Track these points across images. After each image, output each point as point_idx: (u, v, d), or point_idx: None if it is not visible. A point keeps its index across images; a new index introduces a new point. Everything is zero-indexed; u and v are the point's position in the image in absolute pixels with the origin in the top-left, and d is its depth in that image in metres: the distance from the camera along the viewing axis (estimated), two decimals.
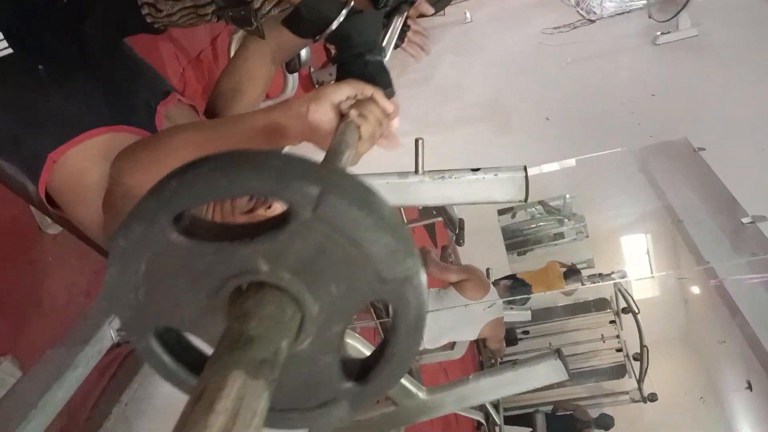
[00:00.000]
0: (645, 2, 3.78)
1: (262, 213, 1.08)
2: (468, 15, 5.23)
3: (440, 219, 3.98)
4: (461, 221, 3.82)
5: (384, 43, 1.00)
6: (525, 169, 1.74)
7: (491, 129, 2.86)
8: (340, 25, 0.87)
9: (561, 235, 7.54)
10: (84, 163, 1.03)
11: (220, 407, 0.34)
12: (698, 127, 2.32)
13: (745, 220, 1.78)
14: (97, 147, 1.04)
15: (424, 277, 0.45)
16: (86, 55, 1.07)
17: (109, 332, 1.23)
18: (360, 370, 0.52)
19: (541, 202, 7.27)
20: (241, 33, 3.06)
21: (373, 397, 0.52)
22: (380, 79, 0.84)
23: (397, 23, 1.09)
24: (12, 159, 1.07)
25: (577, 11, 4.52)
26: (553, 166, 3.24)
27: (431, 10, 1.20)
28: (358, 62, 0.88)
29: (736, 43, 3.14)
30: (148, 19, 1.07)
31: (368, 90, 0.78)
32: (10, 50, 1.01)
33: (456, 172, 1.68)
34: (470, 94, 3.44)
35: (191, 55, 2.82)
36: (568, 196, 7.14)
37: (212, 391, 0.35)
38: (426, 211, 4.08)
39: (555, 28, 4.20)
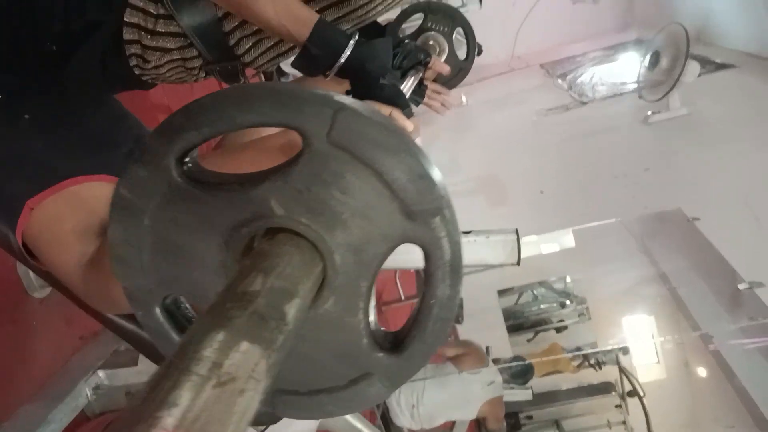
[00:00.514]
0: (636, 86, 3.89)
1: None
2: (464, 99, 5.37)
3: None
4: (460, 299, 3.78)
5: None
6: (516, 232, 1.72)
7: (487, 201, 2.88)
8: (352, 55, 0.87)
9: (563, 319, 7.44)
10: (61, 210, 1.02)
11: (192, 376, 0.27)
12: (692, 199, 2.34)
13: (741, 286, 1.75)
14: (75, 195, 1.03)
15: (454, 211, 0.40)
16: (70, 102, 1.09)
17: (85, 390, 1.19)
18: (394, 339, 0.45)
19: (542, 283, 7.21)
20: None
21: (413, 368, 0.44)
22: (397, 100, 0.84)
23: (411, 81, 1.10)
24: None
25: (570, 95, 4.66)
26: (553, 247, 3.24)
27: (447, 69, 1.21)
28: (373, 87, 0.88)
29: (725, 120, 3.21)
30: (136, 71, 1.08)
31: (386, 109, 0.78)
32: None
33: None
34: (467, 168, 3.49)
35: None
36: (569, 278, 7.08)
37: (189, 353, 0.28)
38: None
39: (548, 109, 4.31)
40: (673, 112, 3.36)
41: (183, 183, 0.40)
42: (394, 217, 0.40)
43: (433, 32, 1.46)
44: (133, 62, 1.06)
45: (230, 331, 0.29)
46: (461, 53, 1.49)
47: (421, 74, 1.14)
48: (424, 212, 0.39)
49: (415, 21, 1.50)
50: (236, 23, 1.03)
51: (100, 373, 1.30)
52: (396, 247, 0.42)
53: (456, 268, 0.42)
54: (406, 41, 1.12)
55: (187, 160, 0.41)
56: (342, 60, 0.87)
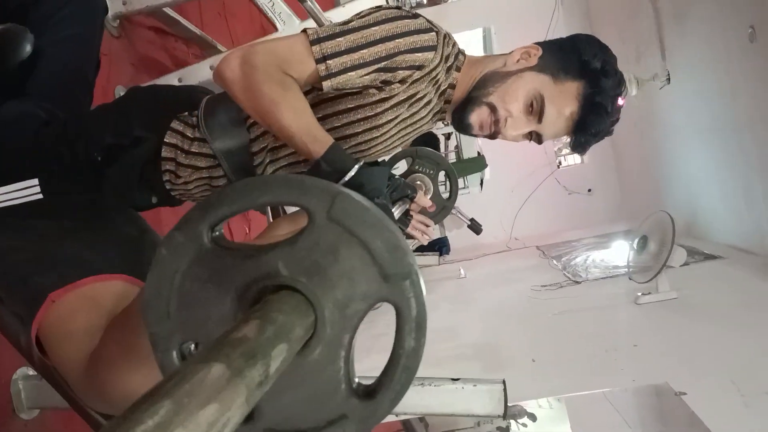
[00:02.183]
0: (627, 270, 4.05)
1: None
2: (462, 272, 5.56)
3: None
4: None
5: None
6: (504, 383, 1.77)
7: (481, 367, 2.92)
8: (355, 176, 1.00)
9: None
10: (79, 305, 1.10)
11: (174, 398, 0.31)
12: (679, 374, 2.38)
13: None
14: (94, 292, 1.12)
15: (421, 277, 0.50)
16: (104, 210, 1.21)
17: None
18: (366, 386, 0.53)
19: None
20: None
21: (383, 412, 0.52)
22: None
23: (399, 210, 1.24)
24: (14, 298, 1.14)
25: (564, 274, 4.82)
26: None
27: (429, 203, 1.36)
28: None
29: (712, 305, 3.32)
30: (167, 186, 1.22)
31: None
32: (40, 196, 1.15)
33: (436, 380, 1.72)
34: (464, 336, 3.55)
35: None
36: None
37: (178, 378, 0.33)
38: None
39: (543, 286, 4.44)
40: (662, 295, 3.48)
41: (211, 247, 0.50)
42: (373, 279, 0.50)
43: (419, 174, 1.65)
44: (165, 177, 1.20)
45: (220, 363, 0.35)
46: (446, 194, 1.67)
47: (407, 206, 1.28)
48: (396, 275, 0.49)
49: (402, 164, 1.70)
50: (263, 146, 1.18)
51: None
52: (374, 305, 0.52)
53: (420, 324, 0.51)
54: (397, 177, 1.28)
55: (216, 229, 0.52)
56: (346, 179, 1.00)
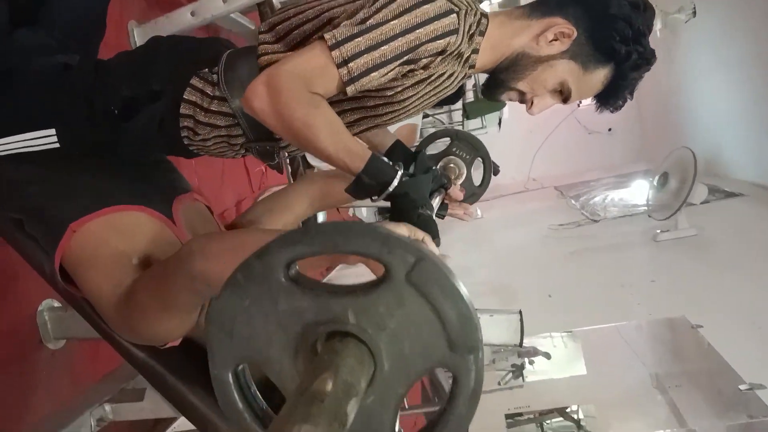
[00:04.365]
0: (646, 207, 4.02)
1: None
2: (479, 212, 5.54)
3: None
4: None
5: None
6: (520, 313, 1.78)
7: (497, 302, 2.93)
8: (398, 186, 1.01)
9: None
10: (101, 235, 1.11)
11: None
12: (696, 308, 2.38)
13: (742, 387, 1.77)
14: (116, 222, 1.13)
15: (484, 355, 0.51)
16: (120, 153, 1.21)
17: (90, 421, 1.22)
18: None
19: (557, 410, 6.97)
20: (264, 195, 3.29)
21: None
22: (430, 229, 0.94)
23: (437, 200, 1.26)
24: (35, 230, 1.15)
25: (582, 213, 4.79)
26: (563, 372, 3.24)
27: (460, 196, 1.36)
28: (412, 214, 0.99)
29: (732, 241, 3.30)
30: (185, 141, 1.20)
31: (420, 234, 0.88)
32: (57, 145, 1.15)
33: None
34: (479, 274, 3.56)
35: (215, 212, 3.02)
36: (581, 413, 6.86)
37: None
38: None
39: (560, 225, 4.43)
40: (681, 232, 3.46)
41: (285, 282, 0.51)
42: (439, 345, 0.50)
43: (455, 157, 1.62)
44: (184, 133, 1.17)
45: (309, 424, 0.38)
46: (477, 179, 1.65)
47: (442, 195, 1.30)
48: (463, 347, 0.50)
49: (441, 143, 1.66)
50: None
51: (106, 407, 1.33)
52: (433, 369, 0.53)
53: (476, 396, 0.52)
54: (435, 168, 1.30)
55: (292, 265, 0.52)
56: (390, 190, 1.01)
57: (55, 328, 1.92)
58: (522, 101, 1.22)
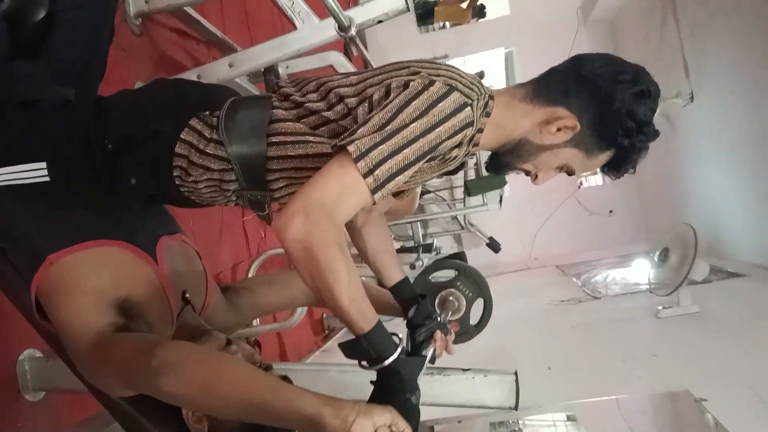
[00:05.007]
0: (648, 286, 3.98)
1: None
2: None
3: None
4: None
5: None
6: (516, 374, 1.72)
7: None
8: (393, 363, 1.02)
9: None
10: (78, 269, 1.09)
11: None
12: (699, 382, 2.31)
13: None
14: (95, 257, 1.11)
15: None
16: (110, 191, 1.20)
17: None
18: None
19: None
20: (262, 258, 3.28)
21: None
22: (413, 421, 0.95)
23: (431, 354, 1.32)
24: (16, 258, 1.13)
25: (583, 290, 4.74)
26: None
27: (451, 351, 1.44)
28: (400, 398, 1.00)
29: (735, 319, 3.26)
30: (177, 181, 1.19)
31: (402, 424, 0.88)
32: (47, 178, 1.15)
33: (446, 370, 1.68)
34: (476, 343, 3.48)
35: (211, 271, 2.99)
36: None
37: None
38: None
39: (561, 300, 4.38)
40: (683, 309, 3.41)
41: None
42: None
43: (458, 292, 1.62)
44: (176, 173, 1.17)
45: None
46: (474, 318, 1.67)
47: (433, 348, 1.34)
48: None
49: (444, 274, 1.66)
50: (281, 167, 1.16)
51: None
52: None
53: None
54: (433, 317, 1.40)
55: None
56: (385, 364, 1.02)
57: (36, 379, 1.86)
58: (526, 174, 1.25)
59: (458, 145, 1.10)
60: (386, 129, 0.99)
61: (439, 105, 1.02)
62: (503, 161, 1.23)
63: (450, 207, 7.61)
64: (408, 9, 2.27)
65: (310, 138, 1.13)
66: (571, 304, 4.26)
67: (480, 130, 1.16)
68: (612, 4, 6.54)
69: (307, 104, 1.14)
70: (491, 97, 1.16)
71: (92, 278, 1.09)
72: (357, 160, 0.97)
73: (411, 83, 1.04)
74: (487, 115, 1.16)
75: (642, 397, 2.39)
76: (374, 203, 1.02)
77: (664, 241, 3.66)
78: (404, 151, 1.00)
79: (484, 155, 1.28)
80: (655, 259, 3.67)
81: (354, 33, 2.30)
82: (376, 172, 0.98)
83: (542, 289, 5.18)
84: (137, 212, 1.28)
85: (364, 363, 1.06)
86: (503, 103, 1.17)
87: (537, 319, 3.99)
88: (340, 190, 0.98)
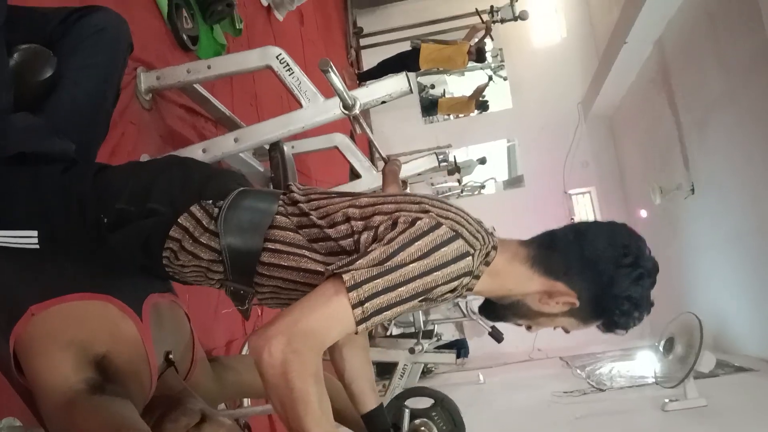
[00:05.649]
0: (654, 379, 3.87)
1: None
2: (481, 378, 5.36)
3: None
4: None
5: None
6: None
7: None
8: None
9: None
10: (60, 322, 1.06)
11: None
12: None
13: None
14: (77, 311, 1.09)
15: None
16: (97, 260, 1.18)
17: None
18: None
19: None
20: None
21: None
22: None
23: None
24: None
25: (587, 382, 4.61)
26: None
27: None
28: None
29: (742, 413, 3.14)
30: (164, 261, 1.16)
31: None
32: (36, 247, 1.12)
33: None
34: None
35: (205, 347, 2.92)
36: None
37: None
38: None
39: (565, 392, 4.25)
40: (690, 402, 3.30)
41: None
42: None
43: (432, 423, 1.60)
44: (165, 254, 1.15)
45: None
46: None
47: None
48: None
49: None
50: (271, 274, 1.14)
51: None
52: None
53: None
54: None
55: None
56: None
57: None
58: (519, 325, 1.26)
59: (452, 291, 1.10)
60: (385, 265, 0.99)
61: (442, 250, 1.02)
62: (500, 313, 1.23)
63: None
64: (411, 91, 2.34)
65: (306, 253, 1.11)
66: (575, 395, 4.13)
67: (477, 277, 1.15)
68: (611, 100, 6.75)
69: (311, 215, 1.13)
70: (494, 248, 1.15)
71: (72, 332, 1.06)
72: (350, 289, 0.96)
73: (418, 222, 1.04)
74: (487, 264, 1.15)
75: None
76: (356, 333, 1.00)
77: (668, 330, 3.59)
78: (399, 289, 0.99)
79: None
80: (661, 348, 3.58)
81: (358, 112, 2.35)
82: (366, 305, 0.97)
83: (545, 381, 5.04)
84: (129, 269, 1.25)
85: None
86: (504, 260, 1.16)
87: (539, 412, 3.87)
88: (327, 317, 0.97)
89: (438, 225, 1.04)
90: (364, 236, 1.08)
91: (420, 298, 1.03)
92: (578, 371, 5.19)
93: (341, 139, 3.30)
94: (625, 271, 1.11)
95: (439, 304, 1.21)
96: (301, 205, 1.15)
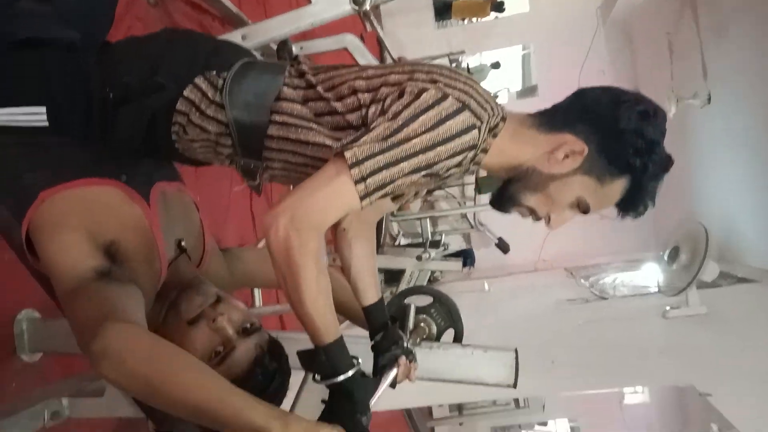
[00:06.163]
0: (656, 290, 3.92)
1: (205, 325, 1.13)
2: (486, 286, 5.46)
3: None
4: None
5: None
6: (516, 352, 1.68)
7: None
8: (346, 382, 1.03)
9: None
10: (69, 207, 1.08)
11: None
12: (705, 378, 2.27)
13: None
14: (86, 197, 1.10)
15: None
16: (106, 139, 1.18)
17: (44, 413, 1.13)
18: None
19: None
20: None
21: None
22: None
23: (389, 380, 1.27)
24: (9, 197, 1.11)
25: (591, 291, 4.69)
26: None
27: (413, 380, 1.37)
28: (349, 418, 1.02)
29: (743, 321, 3.21)
30: (173, 137, 1.16)
31: None
32: (45, 124, 1.12)
33: (444, 345, 1.65)
34: (478, 336, 3.45)
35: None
36: None
37: None
38: None
39: (568, 300, 4.33)
40: (691, 309, 3.35)
41: None
42: None
43: (430, 319, 1.60)
44: (174, 129, 1.14)
45: None
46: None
47: (396, 371, 1.29)
48: None
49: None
50: (279, 147, 1.13)
51: (63, 401, 1.24)
52: None
53: None
54: (400, 343, 1.34)
55: None
56: (338, 380, 1.03)
57: (32, 340, 1.84)
58: (537, 219, 1.17)
59: (457, 165, 1.07)
60: (389, 140, 0.99)
61: (447, 123, 1.00)
62: (509, 193, 1.16)
63: (460, 204, 7.57)
64: None
65: (314, 125, 1.10)
66: (578, 303, 4.21)
67: (484, 150, 1.11)
68: (632, 4, 6.48)
69: (318, 88, 1.11)
70: (503, 119, 1.12)
71: (81, 218, 1.08)
72: (352, 166, 0.97)
73: (424, 94, 1.01)
74: (494, 135, 1.11)
75: (646, 391, 2.35)
76: (361, 209, 1.02)
77: (674, 239, 3.60)
78: (401, 164, 0.99)
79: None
80: (665, 257, 3.61)
81: (368, 7, 2.27)
82: (368, 180, 0.98)
83: (550, 290, 5.14)
84: (136, 156, 1.25)
85: (317, 377, 1.06)
86: (512, 130, 1.13)
87: (543, 316, 3.96)
88: (329, 195, 1.00)
89: (444, 96, 1.01)
90: (372, 110, 1.06)
91: (423, 173, 1.03)
92: (582, 281, 5.27)
93: (351, 39, 3.21)
94: (627, 106, 1.07)
95: (446, 180, 1.18)
96: (308, 77, 1.13)
